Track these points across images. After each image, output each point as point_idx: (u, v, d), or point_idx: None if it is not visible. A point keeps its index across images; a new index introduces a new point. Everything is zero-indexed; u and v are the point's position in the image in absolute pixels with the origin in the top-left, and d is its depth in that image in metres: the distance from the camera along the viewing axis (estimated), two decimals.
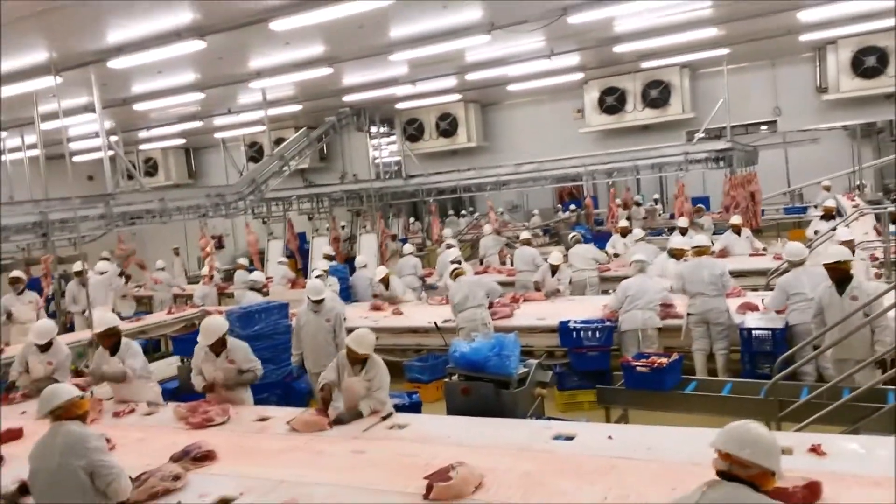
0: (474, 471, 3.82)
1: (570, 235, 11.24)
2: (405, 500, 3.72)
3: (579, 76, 15.46)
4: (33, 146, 14.62)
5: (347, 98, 14.81)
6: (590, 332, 7.06)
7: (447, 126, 17.71)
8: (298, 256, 15.73)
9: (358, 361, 5.25)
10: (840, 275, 5.67)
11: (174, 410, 5.53)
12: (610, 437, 4.34)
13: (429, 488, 3.69)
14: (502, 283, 10.75)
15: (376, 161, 17.60)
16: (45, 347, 6.64)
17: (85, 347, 8.87)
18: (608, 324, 7.19)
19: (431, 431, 4.81)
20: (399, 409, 5.55)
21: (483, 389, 5.78)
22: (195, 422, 5.29)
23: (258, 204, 14.49)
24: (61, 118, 9.64)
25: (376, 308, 9.83)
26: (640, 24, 11.49)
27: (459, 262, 9.02)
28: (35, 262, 10.80)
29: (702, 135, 14.44)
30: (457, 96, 16.66)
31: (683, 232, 10.63)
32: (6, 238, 10.35)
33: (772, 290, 7.30)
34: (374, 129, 16.95)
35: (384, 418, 5.12)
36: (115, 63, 9.56)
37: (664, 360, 5.72)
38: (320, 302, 7.12)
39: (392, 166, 18.63)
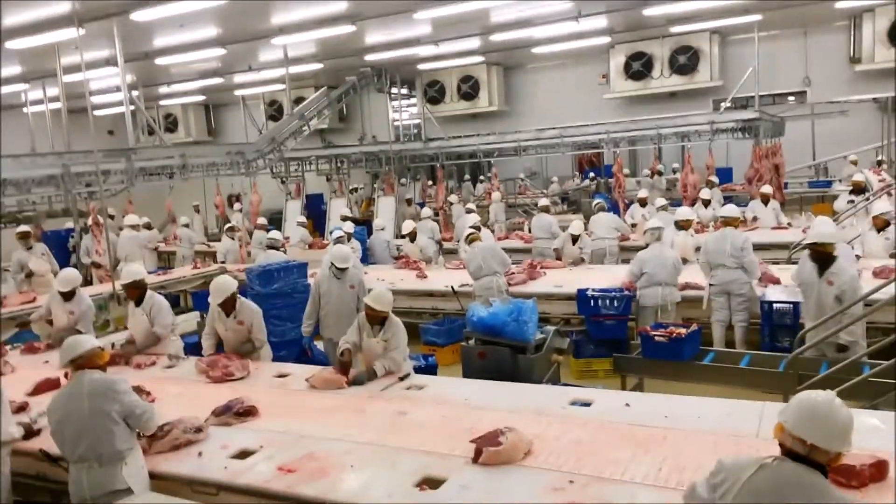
0: (524, 437, 3.74)
1: (595, 203, 11.13)
2: (452, 463, 3.70)
3: (606, 40, 15.14)
4: (55, 98, 14.70)
5: (369, 58, 14.63)
6: (608, 301, 7.02)
7: (469, 89, 17.47)
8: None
9: (377, 321, 5.29)
10: (821, 256, 5.54)
11: (195, 364, 5.62)
12: (627, 405, 4.36)
13: (477, 452, 3.64)
14: (519, 250, 10.81)
15: (396, 123, 17.47)
16: (68, 297, 6.77)
17: (106, 300, 9.00)
18: (627, 293, 7.15)
19: (449, 393, 4.85)
20: (416, 370, 5.60)
21: (499, 354, 5.81)
22: (215, 376, 5.36)
23: (277, 163, 14.47)
24: (84, 71, 9.59)
25: (407, 265, 9.85)
26: None
27: (478, 228, 8.93)
28: (55, 214, 10.90)
29: (729, 104, 14.14)
30: (479, 58, 16.41)
31: (706, 203, 10.49)
32: (27, 189, 10.44)
33: (795, 263, 7.22)
34: (394, 91, 16.78)
35: (402, 378, 5.17)
36: (138, 15, 9.48)
37: (682, 330, 5.69)
38: (345, 270, 7.06)
39: (411, 129, 18.49)
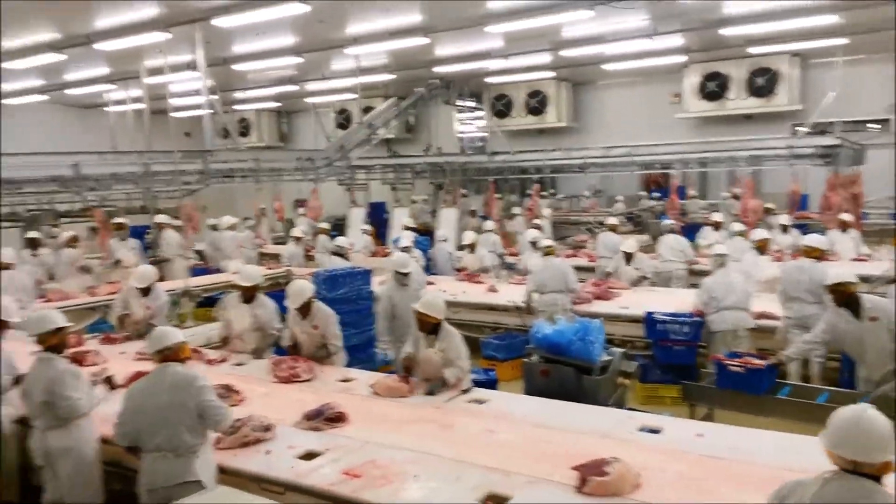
0: (631, 468, 3.57)
1: (664, 224, 10.88)
2: (516, 481, 3.62)
3: (680, 59, 14.85)
4: (138, 100, 15.32)
5: (438, 69, 14.75)
6: (677, 326, 6.83)
7: (536, 103, 17.39)
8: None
9: (430, 330, 5.24)
10: (845, 297, 5.23)
11: (267, 363, 5.70)
12: (700, 435, 4.20)
13: (582, 480, 3.51)
14: (583, 269, 10.65)
15: (461, 135, 17.50)
16: (145, 292, 7.02)
17: (178, 297, 9.28)
18: (696, 318, 6.93)
19: (512, 409, 4.79)
20: (475, 384, 5.56)
21: (563, 373, 5.71)
22: (282, 376, 5.46)
23: (344, 171, 14.69)
24: (166, 74, 9.98)
25: (469, 277, 9.84)
26: (751, 7, 10.88)
27: (550, 245, 8.79)
28: (135, 211, 11.33)
29: (807, 129, 13.64)
30: (548, 73, 16.33)
31: (784, 229, 10.13)
32: (108, 185, 10.90)
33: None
34: (461, 103, 16.85)
35: (464, 391, 5.13)
36: (220, 21, 9.78)
37: (760, 361, 5.46)
38: (408, 275, 7.08)
39: (476, 141, 18.52)
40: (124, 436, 4.00)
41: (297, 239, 12.18)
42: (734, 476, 3.62)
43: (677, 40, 13.01)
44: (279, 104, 20.38)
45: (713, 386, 5.57)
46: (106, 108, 17.02)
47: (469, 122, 17.86)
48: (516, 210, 15.28)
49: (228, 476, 3.96)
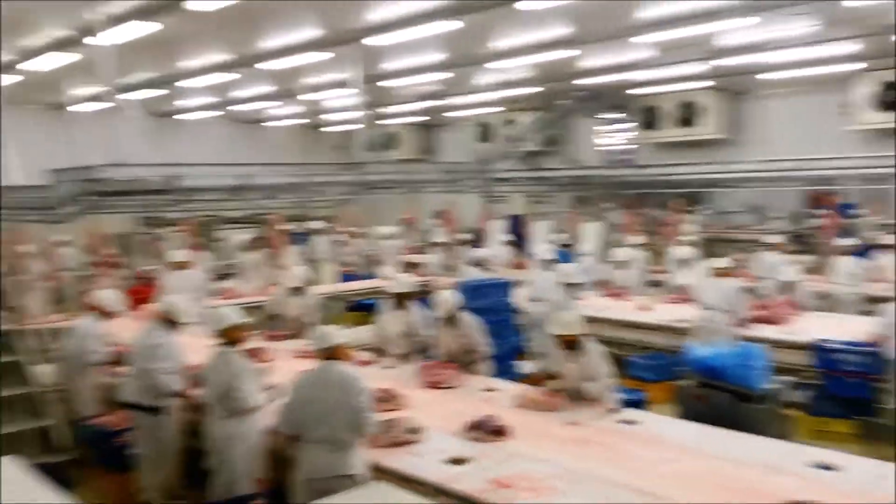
0: None
1: (839, 245, 10.03)
2: None
3: (851, 67, 13.62)
4: (297, 115, 16.43)
5: (583, 81, 14.52)
6: (851, 355, 6.21)
7: (687, 114, 16.60)
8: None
9: (569, 347, 5.13)
10: None
11: (415, 368, 5.85)
12: (884, 478, 3.76)
13: None
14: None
15: (605, 148, 17.10)
16: (298, 292, 7.49)
17: (329, 300, 9.76)
18: (874, 348, 6.27)
19: (664, 433, 4.56)
20: (623, 404, 5.37)
21: (720, 399, 5.39)
22: (429, 381, 5.57)
23: (486, 183, 14.80)
24: (326, 91, 10.56)
25: (612, 294, 9.61)
26: None
27: (725, 266, 8.28)
28: (296, 219, 12.09)
29: None
30: (702, 83, 15.57)
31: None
32: (270, 196, 11.68)
33: None
34: (606, 115, 16.47)
35: (613, 411, 4.96)
36: (375, 40, 10.21)
37: None
38: (577, 285, 7.03)
39: (621, 154, 18.03)
40: (288, 424, 4.23)
41: (439, 247, 12.47)
42: None
43: (849, 47, 11.95)
44: (424, 118, 20.96)
45: None
46: (268, 124, 18.36)
47: (614, 135, 17.42)
48: (661, 226, 14.66)
49: (379, 473, 4.08)
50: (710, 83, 15.52)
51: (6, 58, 10.67)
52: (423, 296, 10.26)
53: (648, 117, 16.96)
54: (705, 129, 16.37)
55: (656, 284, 10.87)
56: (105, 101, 9.10)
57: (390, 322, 6.53)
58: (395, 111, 18.94)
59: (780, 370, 6.52)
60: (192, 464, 5.29)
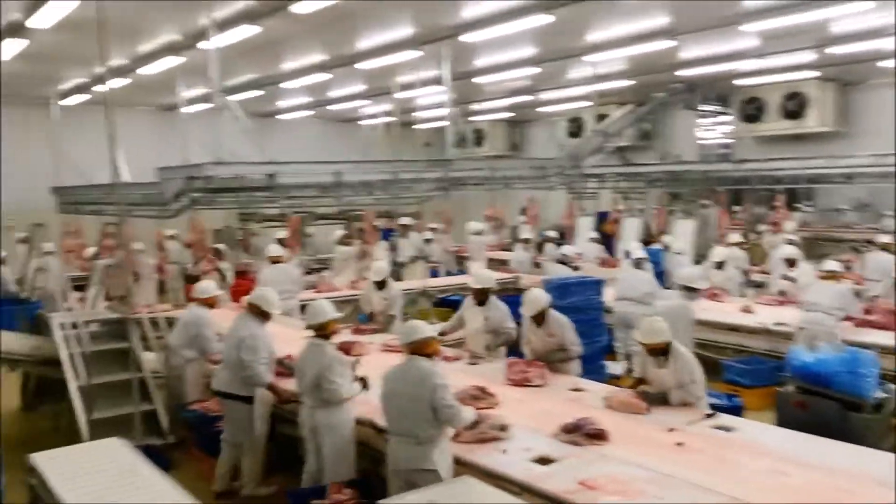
0: None
1: None
2: None
3: None
4: (388, 113, 16.69)
5: (681, 73, 14.01)
6: None
7: (794, 106, 15.66)
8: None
9: (656, 353, 4.98)
10: None
11: (502, 365, 5.82)
12: None
13: None
14: None
15: (703, 142, 16.44)
16: (381, 286, 7.64)
17: (416, 296, 9.90)
18: None
19: (763, 441, 4.35)
20: (718, 410, 5.15)
21: (825, 407, 5.10)
22: (514, 378, 5.54)
23: (575, 179, 14.55)
24: (417, 89, 10.68)
25: (709, 295, 9.26)
26: None
27: (835, 270, 7.77)
28: (385, 215, 12.32)
29: None
30: (811, 73, 14.69)
31: None
32: (357, 192, 11.94)
33: None
34: (705, 108, 15.82)
35: (707, 416, 4.77)
36: (468, 37, 10.23)
37: None
38: (697, 290, 6.81)
39: (719, 148, 17.30)
40: (381, 416, 4.35)
41: (525, 242, 12.41)
42: None
43: None
44: (512, 114, 20.85)
45: None
46: (360, 122, 18.79)
47: (713, 128, 16.72)
48: (763, 225, 13.98)
49: (464, 468, 4.10)
50: (818, 73, 14.64)
51: (120, 62, 11.41)
52: (508, 292, 10.29)
53: (751, 109, 16.15)
54: (812, 122, 15.43)
55: (757, 285, 10.38)
56: (210, 102, 9.56)
57: (471, 317, 6.54)
58: (483, 107, 18.95)
59: (891, 378, 6.11)
60: (287, 451, 5.50)
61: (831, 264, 7.69)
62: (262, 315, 5.69)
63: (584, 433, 4.31)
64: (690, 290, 6.65)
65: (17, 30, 9.04)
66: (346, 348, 6.12)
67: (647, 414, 4.79)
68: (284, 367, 5.67)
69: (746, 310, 8.46)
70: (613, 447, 4.25)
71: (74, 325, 6.41)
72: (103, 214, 10.69)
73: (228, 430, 5.61)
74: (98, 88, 13.05)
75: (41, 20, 8.36)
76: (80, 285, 9.68)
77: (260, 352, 5.45)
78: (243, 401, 5.48)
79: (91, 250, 11.33)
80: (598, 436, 4.30)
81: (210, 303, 6.78)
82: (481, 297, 6.47)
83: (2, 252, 11.20)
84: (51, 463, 4.31)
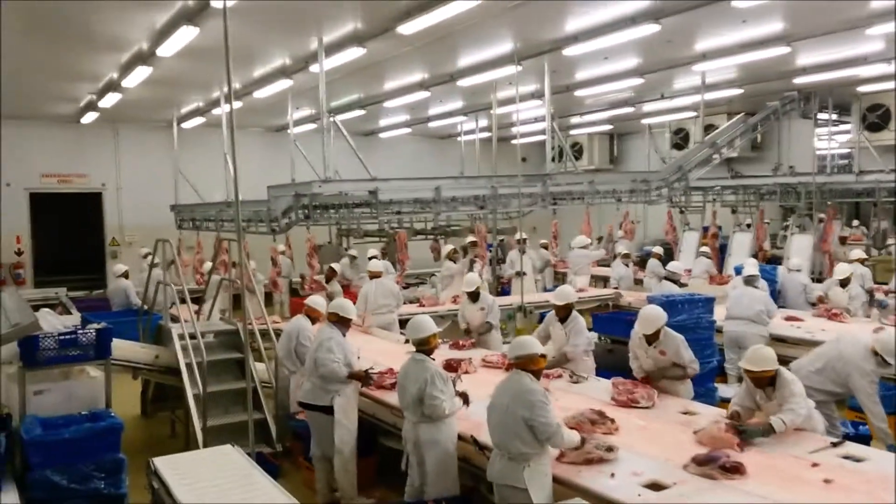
0: None
1: None
2: None
3: None
4: (486, 129, 16.75)
5: (797, 80, 13.25)
6: None
7: None
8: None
9: (762, 383, 4.67)
10: None
11: (611, 385, 5.63)
12: None
13: None
14: None
15: (820, 152, 15.47)
16: (474, 297, 7.61)
17: (514, 310, 9.80)
18: None
19: None
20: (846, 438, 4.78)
21: None
22: (619, 399, 5.35)
23: (679, 192, 14.04)
24: (517, 104, 10.65)
25: (829, 314, 8.67)
26: None
27: None
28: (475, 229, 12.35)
29: None
30: None
31: None
32: (454, 208, 11.98)
33: None
34: (822, 116, 14.88)
35: (834, 445, 4.42)
36: (570, 51, 10.10)
37: None
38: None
39: (837, 159, 16.23)
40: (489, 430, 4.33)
41: (625, 258, 12.10)
42: None
43: None
44: (611, 126, 20.42)
45: None
46: (457, 138, 18.95)
47: (831, 138, 15.70)
48: (891, 239, 12.95)
49: (568, 489, 3.98)
50: None
51: (235, 86, 12.06)
52: (603, 310, 10.02)
53: (874, 117, 15.06)
54: None
55: (882, 305, 9.60)
56: (316, 122, 9.93)
57: (554, 334, 6.44)
58: (582, 121, 18.67)
59: None
60: (390, 464, 5.54)
61: None
62: (341, 322, 5.77)
63: (719, 466, 3.97)
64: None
65: (145, 58, 9.74)
66: (454, 367, 6.15)
67: (738, 451, 4.34)
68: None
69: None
70: (752, 481, 3.92)
71: (192, 336, 6.74)
72: (219, 230, 11.28)
73: (315, 442, 5.71)
74: (216, 111, 13.83)
75: (168, 49, 8.95)
76: (197, 298, 10.23)
77: (335, 352, 5.51)
78: (323, 411, 5.54)
79: (208, 265, 11.97)
80: (735, 470, 3.95)
81: (315, 315, 6.92)
82: (563, 313, 6.33)
83: (125, 266, 11.99)
84: (171, 467, 4.53)
